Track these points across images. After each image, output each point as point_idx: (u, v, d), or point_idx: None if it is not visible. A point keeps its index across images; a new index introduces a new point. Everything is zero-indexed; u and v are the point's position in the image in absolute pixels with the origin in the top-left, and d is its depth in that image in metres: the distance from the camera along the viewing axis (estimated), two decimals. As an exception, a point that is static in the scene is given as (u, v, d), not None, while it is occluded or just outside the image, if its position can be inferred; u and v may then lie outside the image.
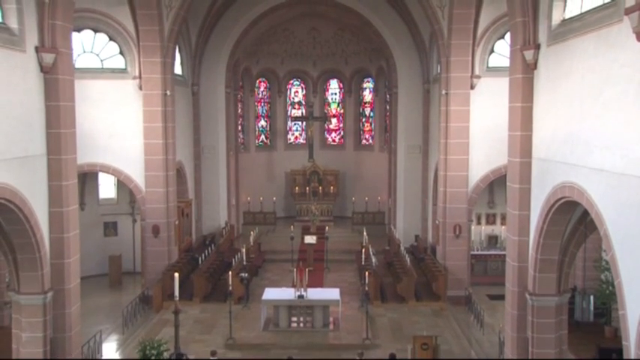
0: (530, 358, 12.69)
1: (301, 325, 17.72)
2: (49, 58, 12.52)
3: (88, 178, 22.94)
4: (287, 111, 34.62)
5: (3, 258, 13.11)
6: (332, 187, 32.09)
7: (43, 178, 12.77)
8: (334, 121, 34.80)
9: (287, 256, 24.63)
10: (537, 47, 12.40)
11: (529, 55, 12.51)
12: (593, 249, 16.16)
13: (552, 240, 12.17)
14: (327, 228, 28.05)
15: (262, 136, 34.10)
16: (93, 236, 23.04)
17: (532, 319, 12.63)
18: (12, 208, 11.59)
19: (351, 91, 34.08)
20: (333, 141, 34.96)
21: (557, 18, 11.82)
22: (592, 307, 12.54)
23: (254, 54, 31.27)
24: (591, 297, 12.63)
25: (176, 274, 14.25)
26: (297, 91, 34.73)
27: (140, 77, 19.96)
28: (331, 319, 18.01)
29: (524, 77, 12.71)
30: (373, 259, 21.95)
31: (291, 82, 34.51)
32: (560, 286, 12.51)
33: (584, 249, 12.92)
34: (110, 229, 23.94)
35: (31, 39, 12.24)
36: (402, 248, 23.77)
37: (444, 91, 20.18)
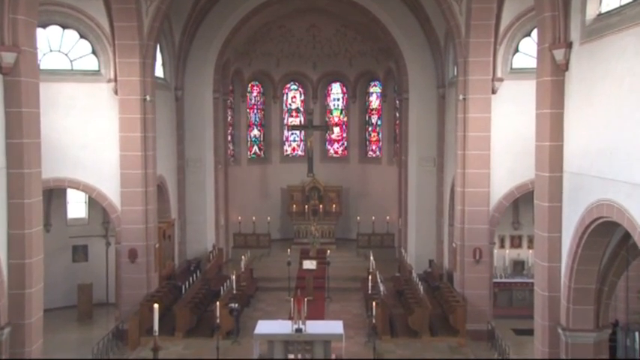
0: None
1: (299, 363, 17.52)
2: (9, 57, 12.39)
3: (54, 195, 22.79)
4: (283, 119, 34.59)
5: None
6: (334, 206, 31.98)
7: (2, 195, 12.61)
8: (337, 130, 34.78)
9: (283, 284, 24.48)
10: (569, 46, 12.36)
11: (559, 54, 12.48)
12: (637, 277, 16.02)
13: (588, 266, 12.08)
14: (328, 252, 27.90)
15: (255, 148, 34.03)
16: (59, 262, 22.81)
17: (566, 359, 12.45)
18: (-36, 230, 11.42)
19: (356, 96, 34.10)
20: (336, 153, 34.93)
21: (591, 12, 11.78)
22: (637, 345, 12.39)
23: (246, 54, 31.29)
24: (636, 333, 12.52)
25: (156, 305, 14.17)
26: (294, 97, 34.73)
27: (116, 80, 19.87)
28: (333, 355, 17.78)
29: (553, 80, 12.70)
30: (381, 288, 21.81)
31: (288, 86, 34.52)
32: (598, 320, 12.40)
33: (627, 277, 12.80)
34: (80, 253, 23.70)
35: (-11, 36, 12.17)
36: (415, 275, 23.61)
37: (461, 96, 20.13)
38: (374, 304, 18.19)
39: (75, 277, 23.03)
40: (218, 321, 17.57)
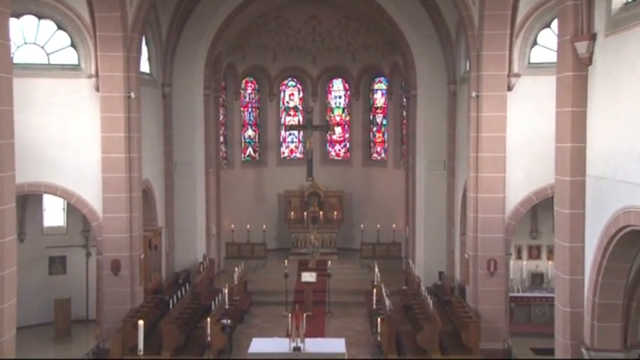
0: None
1: (297, 385, 17.51)
2: (-21, 50, 12.29)
3: (29, 201, 22.72)
4: (280, 118, 34.59)
5: None
6: (335, 212, 31.97)
7: (-28, 201, 12.48)
8: (338, 130, 34.77)
9: (280, 298, 24.50)
10: (592, 38, 12.30)
11: (582, 47, 12.41)
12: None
13: (614, 279, 11.99)
14: (329, 263, 27.75)
15: (250, 149, 34.02)
16: (34, 274, 22.72)
17: (590, 381, 12.41)
18: None
19: (359, 93, 34.09)
20: (337, 155, 34.92)
21: (618, 0, 11.69)
22: (669, 368, 12.34)
23: (239, 48, 31.27)
24: (667, 354, 12.43)
25: (140, 322, 14.25)
26: (292, 94, 34.75)
27: (97, 76, 19.81)
28: (335, 377, 17.79)
29: (575, 75, 12.65)
30: (387, 302, 21.70)
31: (286, 82, 34.54)
32: (626, 339, 12.32)
33: (657, 291, 12.73)
34: (57, 265, 23.56)
35: (-43, 27, 12.07)
36: (423, 288, 23.47)
37: (474, 93, 20.09)
38: (379, 319, 18.21)
39: (51, 291, 22.85)
40: (209, 339, 17.61)
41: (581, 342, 12.60)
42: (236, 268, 25.66)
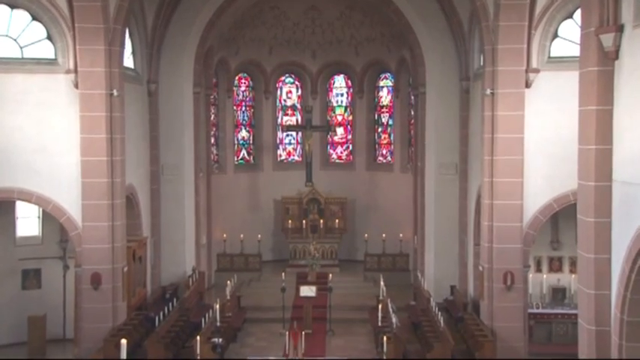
0: None
1: (295, 410, 17.56)
2: (-55, 43, 12.30)
3: (1, 208, 22.69)
4: (277, 118, 34.63)
5: None
6: (337, 221, 32.00)
7: (-64, 209, 12.49)
8: (340, 131, 34.82)
9: (276, 315, 24.51)
10: (619, 29, 12.18)
11: (607, 40, 12.32)
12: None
13: (644, 295, 11.88)
14: (330, 276, 27.78)
15: (243, 152, 34.05)
16: (6, 289, 22.74)
17: (618, 407, 12.27)
18: None
19: (363, 91, 34.12)
20: (339, 158, 34.98)
21: (647, -12, 11.65)
22: None
23: (232, 41, 31.30)
24: (701, 377, 12.33)
25: (123, 341, 14.38)
26: (290, 92, 34.79)
27: (76, 71, 19.81)
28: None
29: (600, 70, 12.57)
30: (393, 319, 21.68)
31: (283, 79, 34.60)
32: None
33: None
34: (31, 279, 23.47)
35: None
36: (433, 304, 23.52)
37: (488, 91, 20.15)
38: (385, 338, 18.20)
39: (25, 308, 22.81)
40: (199, 359, 17.44)
41: (608, 364, 12.55)
42: (228, 282, 25.64)
